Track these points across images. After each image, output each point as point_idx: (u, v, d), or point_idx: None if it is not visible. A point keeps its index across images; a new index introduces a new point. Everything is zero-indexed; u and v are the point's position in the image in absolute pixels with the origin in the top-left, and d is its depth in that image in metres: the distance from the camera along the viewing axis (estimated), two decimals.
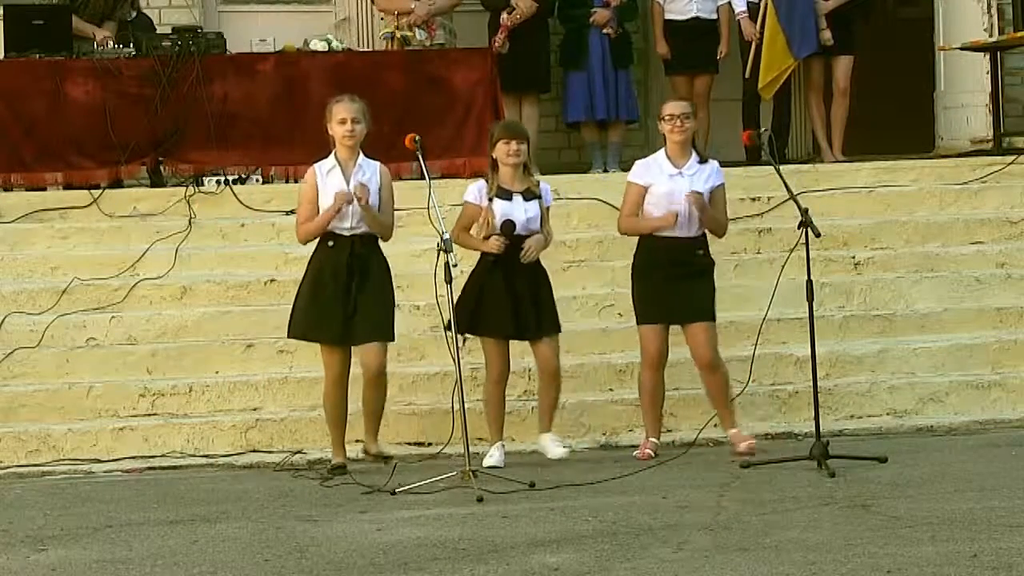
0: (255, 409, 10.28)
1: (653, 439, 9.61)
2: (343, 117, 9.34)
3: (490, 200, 9.45)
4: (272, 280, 11.09)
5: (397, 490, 8.67)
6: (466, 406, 8.99)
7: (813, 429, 9.11)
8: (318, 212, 9.32)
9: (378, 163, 9.50)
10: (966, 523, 7.49)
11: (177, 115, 12.04)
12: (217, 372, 10.50)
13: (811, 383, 9.21)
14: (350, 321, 9.25)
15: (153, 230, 11.50)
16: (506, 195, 9.46)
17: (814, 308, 9.25)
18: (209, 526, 8.04)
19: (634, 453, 9.57)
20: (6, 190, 12.11)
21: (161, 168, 12.36)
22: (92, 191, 11.82)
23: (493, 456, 9.41)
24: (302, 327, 9.42)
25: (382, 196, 9.42)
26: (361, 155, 9.41)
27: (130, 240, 11.46)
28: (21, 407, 10.19)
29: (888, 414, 10.46)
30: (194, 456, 9.96)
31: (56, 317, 10.69)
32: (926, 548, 7.02)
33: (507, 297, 9.38)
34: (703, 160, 9.65)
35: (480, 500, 8.35)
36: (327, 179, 9.34)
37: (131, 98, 12.05)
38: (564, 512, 8.06)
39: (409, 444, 9.94)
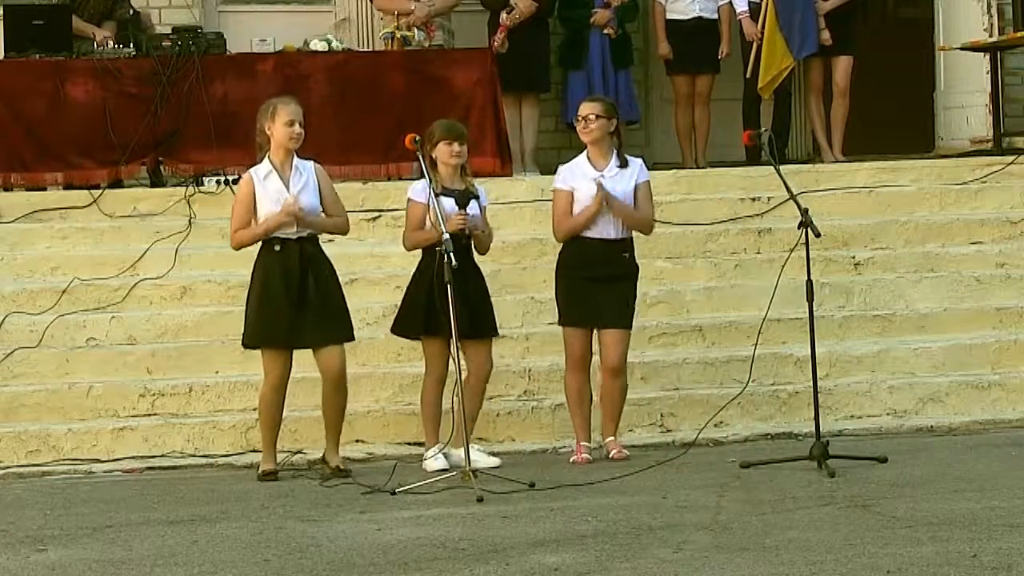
0: (255, 409, 10.24)
1: (585, 443, 9.53)
2: (292, 119, 9.24)
3: (438, 196, 9.37)
4: None
5: (397, 490, 8.68)
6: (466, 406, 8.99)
7: (813, 429, 9.11)
8: (252, 219, 9.23)
9: (312, 162, 9.44)
10: (966, 523, 7.49)
11: (177, 115, 12.04)
12: (217, 372, 10.50)
13: (811, 383, 9.21)
14: (303, 324, 9.15)
15: (153, 230, 11.50)
16: (448, 194, 9.40)
17: (814, 308, 9.25)
18: (209, 526, 8.04)
19: (571, 459, 9.49)
20: (6, 190, 12.12)
21: (161, 168, 12.36)
22: (92, 191, 11.82)
23: (438, 460, 9.27)
24: (258, 335, 9.26)
25: (324, 195, 9.36)
26: (295, 157, 9.34)
27: (130, 240, 11.46)
28: (21, 407, 10.19)
29: (888, 414, 10.46)
30: (194, 456, 9.96)
31: (56, 317, 10.69)
32: (926, 548, 7.02)
33: (445, 298, 9.25)
34: (624, 164, 9.57)
35: (480, 500, 8.35)
36: (265, 184, 9.24)
37: (131, 98, 12.05)
38: (564, 512, 8.06)
39: (409, 444, 9.94)
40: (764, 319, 9.86)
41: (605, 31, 13.26)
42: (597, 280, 9.44)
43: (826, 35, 13.21)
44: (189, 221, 11.56)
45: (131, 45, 12.23)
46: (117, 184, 12.10)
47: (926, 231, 11.88)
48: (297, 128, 9.24)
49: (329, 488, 8.95)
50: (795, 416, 10.24)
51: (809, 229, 9.16)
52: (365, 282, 10.96)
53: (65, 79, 12.00)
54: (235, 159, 12.15)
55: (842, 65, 13.42)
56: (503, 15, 13.10)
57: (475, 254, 9.57)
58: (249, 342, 9.38)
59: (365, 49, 13.63)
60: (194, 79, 12.07)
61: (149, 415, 10.23)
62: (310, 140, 12.21)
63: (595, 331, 9.52)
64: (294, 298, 9.14)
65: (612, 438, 9.55)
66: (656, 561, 6.98)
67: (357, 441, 10.04)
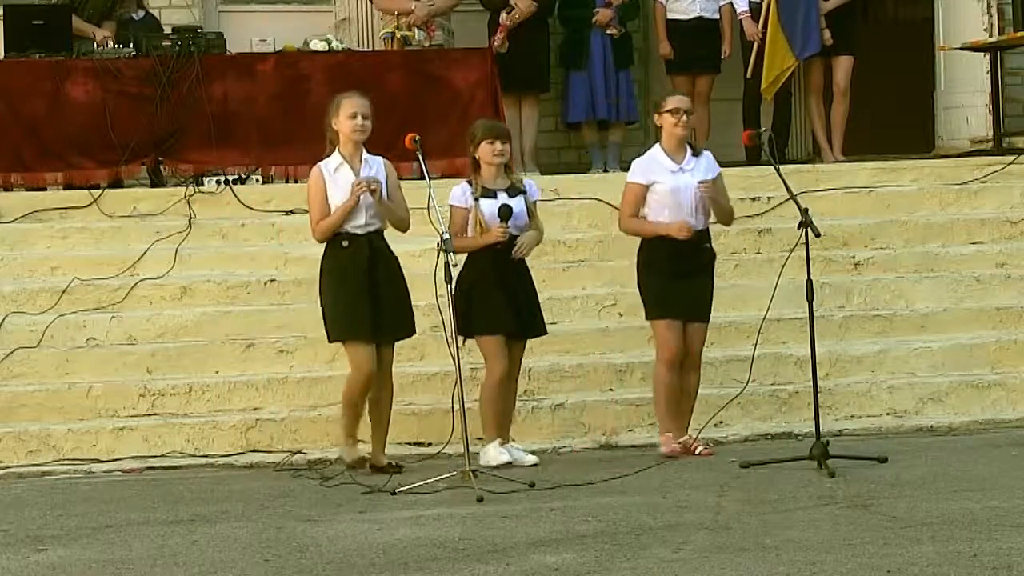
0: (255, 409, 10.28)
1: (669, 434, 9.53)
2: (354, 111, 9.31)
3: (476, 200, 9.42)
4: (272, 280, 11.09)
5: (397, 490, 8.68)
6: (466, 406, 8.99)
7: (813, 429, 9.11)
8: (330, 210, 9.30)
9: (382, 158, 9.49)
10: (966, 523, 7.49)
11: (177, 115, 12.04)
12: (217, 372, 10.50)
13: (811, 383, 9.21)
14: (378, 318, 9.21)
15: (153, 230, 11.50)
16: (490, 194, 9.45)
17: (814, 308, 9.25)
18: (209, 526, 8.04)
19: (661, 450, 9.49)
20: (6, 190, 12.12)
21: (161, 168, 12.36)
22: (92, 191, 11.82)
23: (503, 454, 9.36)
24: (344, 329, 9.31)
25: (391, 190, 9.41)
26: (365, 151, 9.40)
27: (130, 240, 11.46)
28: (21, 407, 10.19)
29: (888, 414, 10.46)
30: (194, 456, 9.96)
31: (56, 317, 10.69)
32: (926, 548, 7.02)
33: (503, 295, 9.37)
34: (696, 153, 9.64)
35: (480, 500, 8.35)
36: (335, 176, 9.31)
37: (131, 98, 12.05)
38: (564, 512, 8.06)
39: (409, 444, 9.94)
40: (764, 319, 9.86)
41: (608, 31, 13.26)
42: (681, 274, 9.45)
43: (827, 35, 13.21)
44: (189, 221, 11.56)
45: (131, 45, 12.22)
46: (117, 184, 12.10)
47: (926, 231, 11.89)
48: (360, 120, 9.30)
49: (329, 488, 8.95)
50: (795, 416, 10.24)
51: (809, 229, 9.16)
52: None
53: (65, 79, 12.01)
54: (235, 159, 12.19)
55: (843, 65, 13.42)
56: (503, 15, 13.10)
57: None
58: (336, 336, 9.38)
59: (365, 49, 13.63)
60: (194, 79, 12.07)
61: (149, 415, 10.23)
62: (311, 140, 12.30)
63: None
64: (368, 292, 9.20)
65: (688, 436, 9.56)
66: (656, 561, 6.98)
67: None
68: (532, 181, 9.83)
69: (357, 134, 9.31)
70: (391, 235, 9.52)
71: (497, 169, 9.53)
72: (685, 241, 9.45)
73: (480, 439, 9.58)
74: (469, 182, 9.55)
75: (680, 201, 9.49)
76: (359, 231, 9.27)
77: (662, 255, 9.53)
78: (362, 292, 9.22)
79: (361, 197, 9.19)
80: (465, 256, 9.50)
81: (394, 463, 9.32)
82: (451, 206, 9.54)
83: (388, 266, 9.34)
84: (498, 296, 9.36)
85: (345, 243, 9.27)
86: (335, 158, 9.36)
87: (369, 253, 9.26)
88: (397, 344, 9.67)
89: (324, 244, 9.38)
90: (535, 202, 9.66)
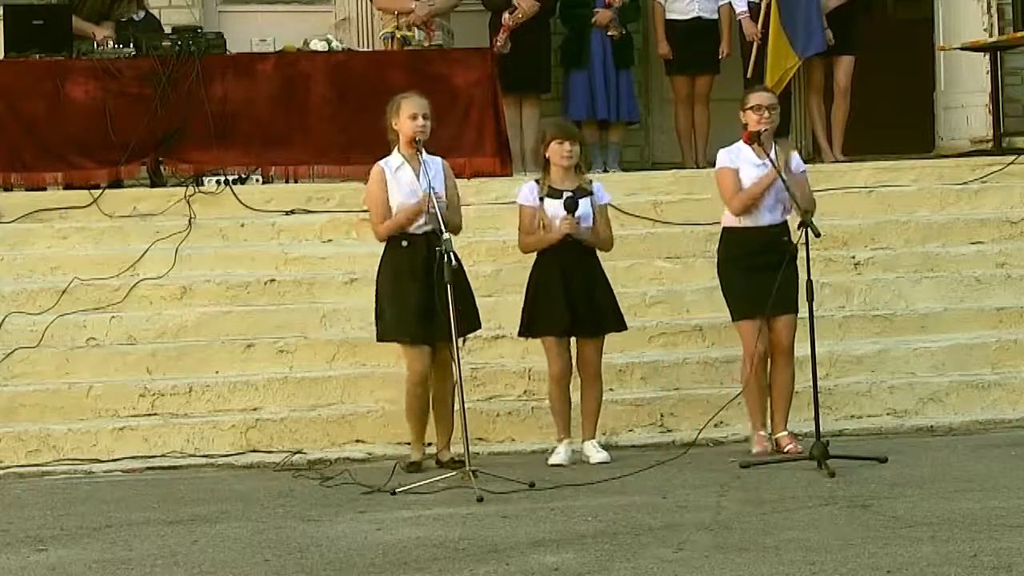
0: (255, 409, 10.28)
1: (761, 432, 9.56)
2: (414, 112, 9.36)
3: (541, 200, 9.45)
4: (272, 280, 11.09)
5: (397, 490, 8.68)
6: (466, 406, 8.99)
7: (813, 429, 9.11)
8: (388, 209, 9.34)
9: (441, 159, 9.53)
10: (966, 523, 7.49)
11: (177, 115, 12.04)
12: (217, 372, 10.50)
13: (811, 383, 9.21)
14: (436, 318, 9.20)
15: (153, 230, 11.49)
16: (557, 194, 9.46)
17: (814, 308, 9.25)
18: (209, 526, 8.04)
19: (753, 450, 9.49)
20: (6, 190, 12.12)
21: (161, 168, 12.36)
22: (92, 191, 11.82)
23: (559, 454, 9.40)
24: (392, 329, 9.37)
25: (448, 192, 9.45)
26: (423, 151, 9.41)
27: (130, 240, 11.46)
28: (21, 407, 10.19)
29: (888, 414, 10.46)
30: (194, 456, 9.96)
31: (56, 317, 10.69)
32: (926, 548, 7.02)
33: (566, 295, 9.37)
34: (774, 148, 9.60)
35: (480, 500, 8.35)
36: (397, 175, 9.36)
37: (131, 98, 12.05)
38: (564, 512, 8.06)
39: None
40: (764, 319, 9.84)
41: (609, 32, 13.26)
42: (763, 268, 9.42)
43: (829, 35, 13.20)
44: (189, 221, 11.56)
45: (131, 45, 12.22)
46: (117, 184, 12.10)
47: (926, 231, 11.88)
48: (421, 121, 9.35)
49: (329, 488, 8.95)
50: (795, 416, 10.20)
51: (809, 229, 9.16)
52: (365, 282, 10.92)
53: (65, 79, 12.00)
54: (235, 159, 12.18)
55: (844, 65, 13.42)
56: (505, 15, 13.11)
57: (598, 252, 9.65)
58: (385, 336, 9.46)
59: (365, 49, 13.63)
60: (194, 79, 12.07)
61: (149, 415, 10.23)
62: (311, 140, 12.30)
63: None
64: (426, 292, 9.20)
65: (785, 432, 9.56)
66: (656, 561, 6.98)
67: (357, 441, 10.05)
68: (601, 184, 9.79)
69: (419, 135, 9.34)
70: None
71: (566, 170, 9.53)
72: (763, 235, 9.43)
73: (480, 439, 9.58)
74: (537, 180, 9.55)
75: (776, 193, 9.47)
76: (418, 231, 9.31)
77: (738, 253, 9.53)
78: (418, 293, 9.23)
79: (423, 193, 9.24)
80: (535, 256, 9.53)
81: (456, 458, 9.30)
82: (520, 205, 9.55)
83: (437, 266, 9.31)
84: (561, 296, 9.37)
85: (404, 243, 9.32)
86: (396, 157, 9.43)
87: (427, 253, 9.26)
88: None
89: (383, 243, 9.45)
90: (605, 206, 9.66)
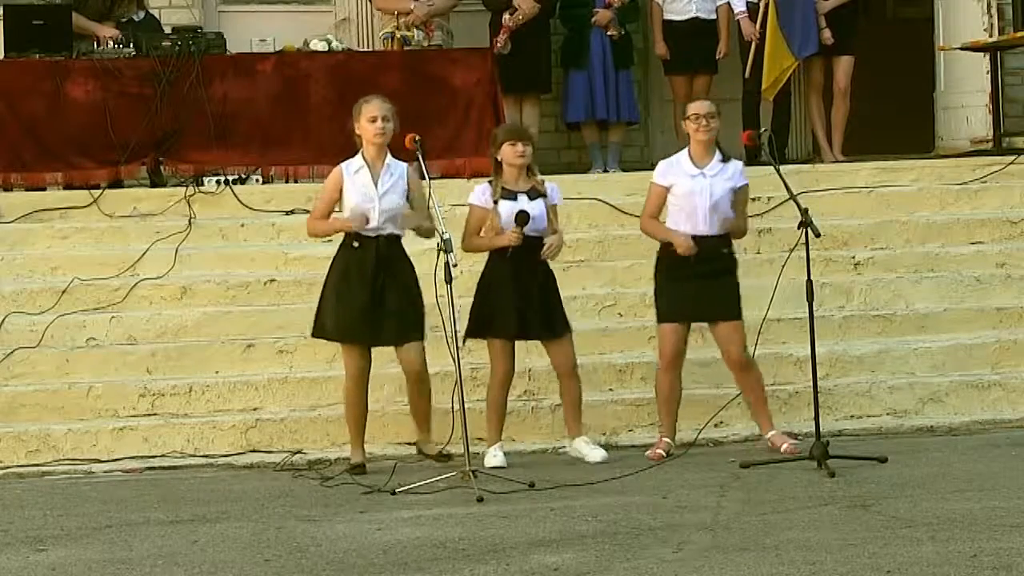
0: (255, 409, 10.28)
1: (668, 439, 9.58)
2: (374, 115, 9.36)
3: (495, 202, 9.46)
4: (272, 280, 11.09)
5: (397, 490, 8.68)
6: (466, 406, 8.99)
7: (813, 429, 9.11)
8: (332, 210, 9.39)
9: (405, 164, 9.52)
10: (966, 523, 7.49)
11: (177, 115, 12.03)
12: (217, 372, 10.50)
13: (811, 383, 9.21)
14: (379, 322, 9.23)
15: (153, 230, 11.49)
16: (511, 196, 9.48)
17: (814, 308, 9.25)
18: (209, 526, 8.04)
19: (646, 453, 9.54)
20: (6, 190, 12.11)
21: (161, 168, 12.36)
22: (92, 191, 11.82)
23: (497, 456, 9.40)
24: (328, 327, 9.40)
25: (413, 197, 9.44)
26: (389, 156, 9.42)
27: (130, 240, 11.46)
28: (21, 407, 10.19)
29: (888, 414, 10.46)
30: (194, 456, 9.96)
31: (56, 317, 10.69)
32: (926, 548, 7.02)
33: (513, 297, 9.38)
34: (726, 159, 9.63)
35: (480, 500, 8.36)
36: (354, 178, 9.36)
37: (131, 98, 12.04)
38: (564, 512, 8.07)
39: (409, 444, 9.93)
40: (764, 319, 9.86)
41: (608, 32, 13.26)
42: (699, 276, 9.46)
43: (827, 34, 13.20)
44: (189, 221, 11.56)
45: (131, 45, 12.22)
46: (117, 184, 12.09)
47: (926, 231, 11.88)
48: (380, 124, 9.34)
49: (329, 488, 8.95)
50: (795, 416, 10.23)
51: (809, 229, 9.17)
52: None
53: (65, 79, 11.99)
54: (235, 159, 12.18)
55: (843, 65, 13.42)
56: (506, 16, 13.11)
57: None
58: (319, 334, 9.49)
59: (365, 49, 13.63)
60: (194, 79, 12.06)
61: (149, 415, 10.22)
62: (311, 140, 12.30)
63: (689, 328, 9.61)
64: (372, 295, 9.22)
65: (774, 431, 9.56)
66: (656, 561, 6.98)
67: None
68: (555, 185, 9.81)
69: (378, 138, 9.35)
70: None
71: (519, 171, 9.55)
72: (701, 246, 9.46)
73: (480, 439, 9.58)
74: (490, 182, 9.57)
75: (694, 205, 9.49)
76: (370, 233, 9.30)
77: (673, 259, 9.54)
78: (362, 294, 9.22)
79: (373, 203, 9.23)
80: (486, 257, 9.54)
81: (442, 453, 9.37)
82: (470, 205, 9.55)
83: (398, 269, 9.34)
84: (510, 299, 9.38)
85: (356, 244, 9.31)
86: (357, 160, 9.42)
87: (377, 256, 9.27)
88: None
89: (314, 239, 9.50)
90: (555, 206, 9.67)
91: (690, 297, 9.47)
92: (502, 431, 9.55)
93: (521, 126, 10.04)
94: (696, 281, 9.47)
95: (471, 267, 10.24)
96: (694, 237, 9.49)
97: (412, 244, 10.47)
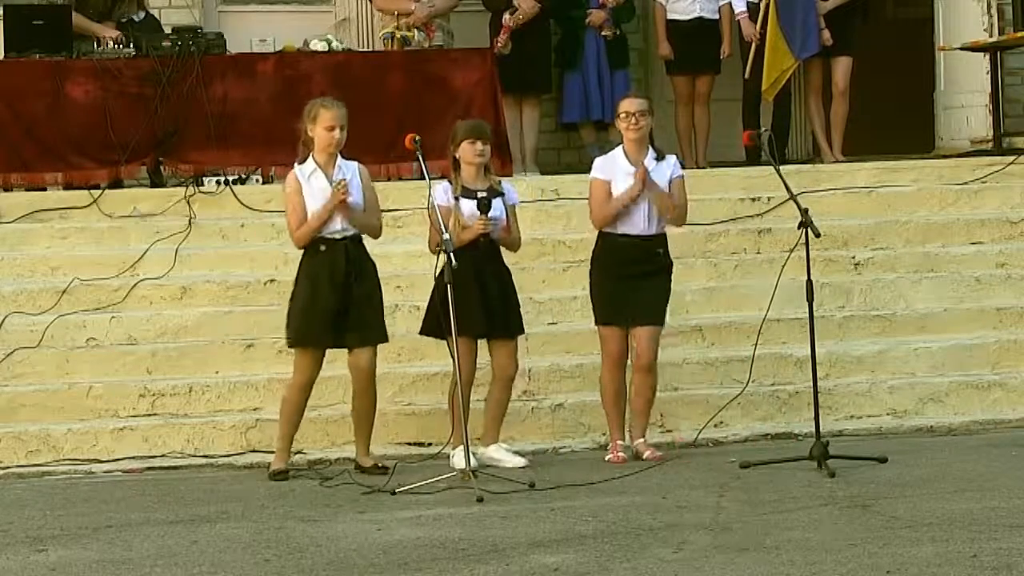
0: (255, 409, 10.28)
1: (621, 441, 9.57)
2: (332, 124, 9.25)
3: (456, 199, 9.42)
4: (272, 280, 11.09)
5: (397, 490, 8.68)
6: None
7: (813, 429, 9.11)
8: (306, 215, 9.28)
9: (356, 163, 9.46)
10: (966, 523, 7.49)
11: (177, 115, 12.04)
12: (217, 372, 10.50)
13: (811, 383, 9.21)
14: (345, 325, 9.21)
15: (153, 230, 11.49)
16: (470, 194, 9.43)
17: (814, 308, 9.25)
18: (209, 526, 8.04)
19: (606, 458, 9.52)
20: (6, 190, 12.11)
21: (161, 168, 12.36)
22: (92, 191, 11.82)
23: (457, 458, 9.21)
24: (303, 334, 9.33)
25: (366, 196, 9.39)
26: (339, 157, 9.36)
27: (130, 240, 11.46)
28: (21, 407, 10.19)
29: (888, 414, 10.46)
30: (194, 456, 9.96)
31: (56, 317, 10.69)
32: (926, 548, 7.02)
33: (477, 296, 9.34)
34: (660, 157, 9.62)
35: (480, 500, 8.35)
36: (311, 182, 9.27)
37: (131, 98, 12.05)
38: (564, 512, 8.07)
39: (408, 444, 9.94)
40: (764, 319, 9.87)
41: (602, 32, 13.26)
42: (631, 277, 9.45)
43: (827, 35, 13.21)
44: (189, 221, 11.56)
45: (131, 45, 12.22)
46: (117, 184, 12.10)
47: (926, 231, 11.89)
48: (337, 134, 9.25)
49: (329, 488, 8.95)
50: (795, 416, 10.24)
51: (809, 229, 9.17)
52: None
53: (65, 79, 12.00)
54: (235, 159, 12.19)
55: (841, 66, 13.42)
56: (506, 16, 13.11)
57: (504, 253, 9.59)
58: (295, 342, 9.38)
59: (365, 49, 13.63)
60: (194, 79, 12.06)
61: (149, 415, 10.22)
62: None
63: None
64: (339, 299, 9.18)
65: (643, 439, 9.56)
66: (656, 561, 6.98)
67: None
68: (512, 186, 9.78)
69: (332, 147, 9.28)
70: (394, 238, 9.53)
71: (477, 169, 9.51)
72: (633, 246, 9.44)
73: (479, 439, 9.59)
74: (449, 182, 9.53)
75: (635, 205, 9.47)
76: (336, 236, 9.25)
77: (607, 260, 9.54)
78: (332, 298, 9.18)
79: (339, 201, 9.18)
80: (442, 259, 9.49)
81: (380, 464, 9.31)
82: (435, 205, 9.50)
83: (363, 272, 9.30)
84: (476, 297, 9.32)
85: (322, 247, 9.25)
86: (309, 164, 9.32)
87: (345, 258, 9.24)
88: (398, 344, 9.67)
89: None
90: (514, 206, 9.64)
91: (624, 299, 9.43)
92: (466, 432, 9.48)
93: (482, 124, 9.94)
94: (629, 282, 9.44)
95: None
96: (631, 238, 9.46)
97: (412, 244, 10.51)
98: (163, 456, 9.96)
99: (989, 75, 13.90)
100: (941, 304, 11.24)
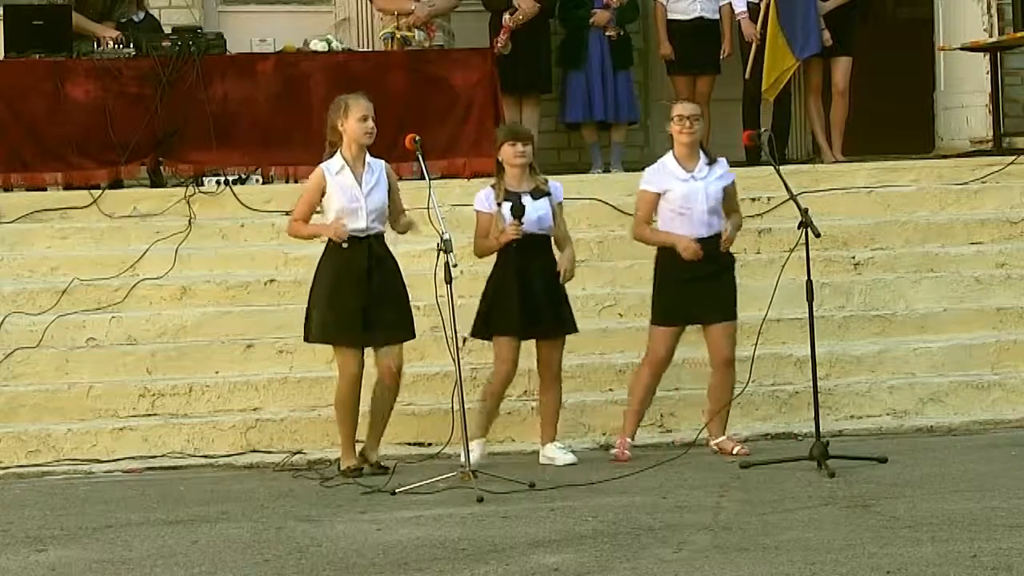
0: (255, 409, 10.28)
1: (630, 439, 9.59)
2: (364, 114, 9.29)
3: (499, 205, 9.45)
4: (272, 280, 11.09)
5: (397, 490, 8.68)
6: (466, 406, 8.99)
7: (813, 429, 9.11)
8: (312, 211, 9.34)
9: (383, 162, 9.48)
10: (966, 523, 7.49)
11: (177, 115, 12.04)
12: (217, 372, 10.50)
13: (811, 383, 9.21)
14: (372, 322, 9.21)
15: (153, 230, 11.49)
16: (514, 197, 9.46)
17: (814, 308, 9.25)
18: (209, 526, 8.04)
19: (611, 452, 9.52)
20: (6, 190, 12.11)
21: (161, 168, 12.36)
22: (92, 191, 11.82)
23: (479, 451, 9.36)
24: (323, 330, 9.33)
25: (392, 195, 9.41)
26: (368, 154, 9.39)
27: (130, 240, 11.46)
28: (21, 407, 10.20)
29: (888, 414, 10.47)
30: (194, 456, 9.97)
31: (56, 317, 10.69)
32: (926, 548, 7.02)
33: (520, 296, 9.37)
34: (711, 161, 9.63)
35: (480, 500, 8.35)
36: (337, 179, 9.28)
37: (131, 98, 12.04)
38: (564, 512, 8.07)
39: (409, 444, 9.95)
40: (764, 319, 9.86)
41: (607, 33, 13.26)
42: (696, 279, 9.46)
43: (827, 36, 13.20)
44: (189, 221, 11.56)
45: (131, 45, 12.22)
46: (117, 184, 12.10)
47: (926, 231, 11.89)
48: (370, 124, 9.28)
49: (329, 488, 8.95)
50: (795, 416, 10.25)
51: (809, 229, 9.17)
52: None
53: (65, 79, 12.00)
54: (235, 159, 12.18)
55: (841, 66, 13.42)
56: (506, 16, 13.11)
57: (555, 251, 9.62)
58: (316, 338, 9.40)
59: (365, 49, 13.63)
60: (194, 79, 12.07)
61: (149, 415, 10.23)
62: (311, 140, 12.28)
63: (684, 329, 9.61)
64: (363, 295, 9.18)
65: (725, 436, 9.59)
66: (656, 561, 6.98)
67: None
68: (559, 184, 9.79)
69: (366, 138, 9.30)
70: (394, 237, 9.54)
71: (520, 171, 9.54)
72: (701, 246, 9.45)
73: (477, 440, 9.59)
74: (493, 186, 9.56)
75: (691, 210, 9.49)
76: (360, 234, 9.26)
77: (672, 261, 9.53)
78: (356, 296, 9.20)
79: (359, 203, 9.19)
80: (494, 258, 9.53)
81: (381, 464, 9.32)
82: (476, 211, 9.53)
83: (387, 270, 9.33)
84: (518, 297, 9.36)
85: (345, 245, 9.26)
86: (337, 160, 9.33)
87: (368, 256, 9.25)
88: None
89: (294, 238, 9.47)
90: (560, 204, 9.66)
91: (690, 300, 9.46)
92: (489, 429, 9.50)
93: (520, 126, 10.01)
94: (697, 283, 9.46)
95: (471, 267, 10.26)
96: (695, 240, 9.50)
97: (412, 244, 10.50)
98: (163, 456, 9.96)
99: (989, 75, 13.90)
100: (941, 304, 11.24)
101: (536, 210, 9.44)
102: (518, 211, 9.36)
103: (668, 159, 9.66)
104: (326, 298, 9.29)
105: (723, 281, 9.58)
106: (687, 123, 9.55)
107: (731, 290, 9.61)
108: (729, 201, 9.62)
